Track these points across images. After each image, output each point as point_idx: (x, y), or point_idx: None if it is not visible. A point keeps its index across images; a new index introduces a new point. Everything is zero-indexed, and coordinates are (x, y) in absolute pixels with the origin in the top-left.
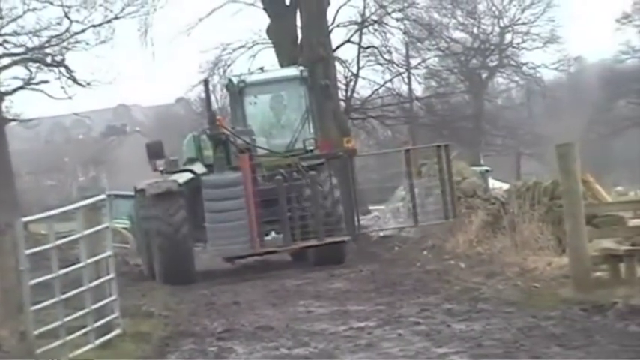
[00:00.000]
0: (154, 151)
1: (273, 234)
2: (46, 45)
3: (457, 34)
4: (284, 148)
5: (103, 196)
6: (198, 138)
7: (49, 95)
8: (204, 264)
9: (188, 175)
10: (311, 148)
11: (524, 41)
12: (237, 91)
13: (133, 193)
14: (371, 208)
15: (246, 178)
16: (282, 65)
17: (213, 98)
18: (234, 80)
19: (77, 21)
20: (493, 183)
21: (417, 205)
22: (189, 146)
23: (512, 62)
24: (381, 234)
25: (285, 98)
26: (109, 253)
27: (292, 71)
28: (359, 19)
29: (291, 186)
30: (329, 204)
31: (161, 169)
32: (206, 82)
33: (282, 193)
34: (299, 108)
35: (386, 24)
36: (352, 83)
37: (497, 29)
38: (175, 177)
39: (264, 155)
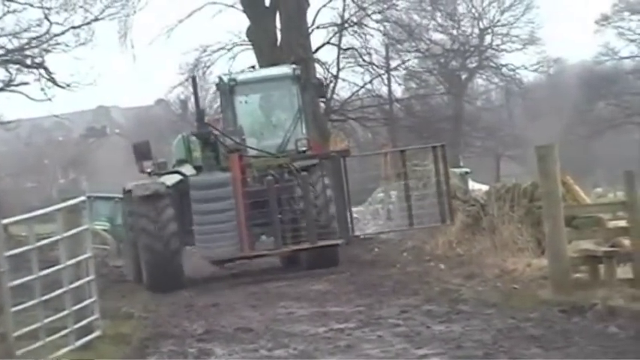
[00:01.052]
0: (142, 152)
1: (263, 237)
2: (26, 47)
3: (437, 36)
4: (275, 149)
5: (82, 198)
6: (187, 139)
7: (28, 97)
8: (188, 267)
9: (177, 177)
10: (303, 148)
11: (503, 43)
12: (228, 89)
13: (112, 195)
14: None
15: (235, 179)
16: (262, 67)
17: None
18: (225, 79)
19: (57, 23)
20: (473, 184)
21: (396, 210)
22: (178, 147)
23: (491, 64)
24: (362, 236)
25: (277, 97)
26: (88, 254)
27: (284, 70)
28: (338, 21)
29: (282, 187)
30: (321, 206)
31: (149, 170)
32: (194, 79)
33: (272, 195)
34: (291, 107)
35: (365, 25)
36: (332, 85)
37: (476, 31)
38: (164, 179)
39: (254, 156)
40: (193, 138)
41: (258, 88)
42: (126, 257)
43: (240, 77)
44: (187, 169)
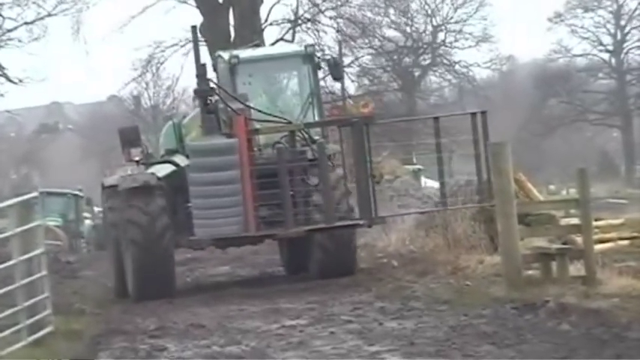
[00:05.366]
0: (129, 138)
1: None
2: None
3: (390, 33)
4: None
5: (35, 194)
6: (179, 125)
7: None
8: None
9: (169, 167)
10: (316, 137)
11: (456, 40)
12: (229, 69)
13: (65, 191)
14: None
15: (241, 144)
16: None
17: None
18: (225, 56)
19: (10, 18)
20: (426, 181)
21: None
22: (167, 136)
23: (444, 61)
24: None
25: (286, 79)
26: (41, 250)
27: (294, 48)
28: (292, 18)
29: (294, 158)
30: (336, 181)
31: (137, 158)
32: (194, 28)
33: (283, 167)
34: (302, 90)
35: (319, 22)
36: None
37: (429, 28)
38: (154, 169)
39: (262, 120)
40: (187, 121)
41: (265, 67)
42: (111, 268)
43: (244, 55)
44: (180, 160)
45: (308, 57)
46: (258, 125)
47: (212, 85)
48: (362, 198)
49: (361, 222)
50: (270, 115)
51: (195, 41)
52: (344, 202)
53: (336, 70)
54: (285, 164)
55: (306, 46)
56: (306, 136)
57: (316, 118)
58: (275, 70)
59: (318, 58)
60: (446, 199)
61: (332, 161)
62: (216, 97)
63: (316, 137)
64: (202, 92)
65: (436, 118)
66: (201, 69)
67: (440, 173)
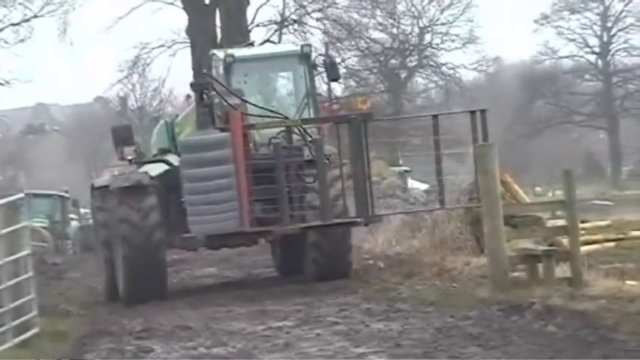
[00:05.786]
0: (122, 137)
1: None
2: None
3: (376, 34)
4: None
5: (21, 195)
6: (171, 124)
7: None
8: None
9: (162, 167)
10: (312, 138)
11: (443, 42)
12: (223, 68)
13: (51, 192)
14: None
15: (236, 140)
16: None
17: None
18: (220, 55)
19: None
20: (412, 183)
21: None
22: (160, 135)
23: (431, 62)
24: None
25: (282, 79)
26: (27, 251)
27: (291, 47)
28: (278, 19)
29: (290, 154)
30: (332, 180)
31: (130, 157)
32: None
33: (280, 162)
34: (297, 90)
35: (305, 24)
36: None
37: (416, 29)
38: (147, 168)
39: (258, 116)
40: (180, 120)
41: (260, 67)
42: (102, 270)
43: (239, 54)
44: (173, 159)
45: (304, 57)
46: (253, 121)
47: (209, 79)
48: (359, 196)
49: (358, 220)
50: (267, 109)
51: (193, 36)
52: (340, 200)
53: (333, 70)
54: (282, 160)
55: (302, 46)
56: (303, 132)
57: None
58: (271, 70)
59: (311, 59)
60: (444, 197)
61: (329, 160)
62: (212, 92)
63: (314, 137)
64: (199, 85)
65: (435, 116)
66: (198, 60)
67: (437, 171)
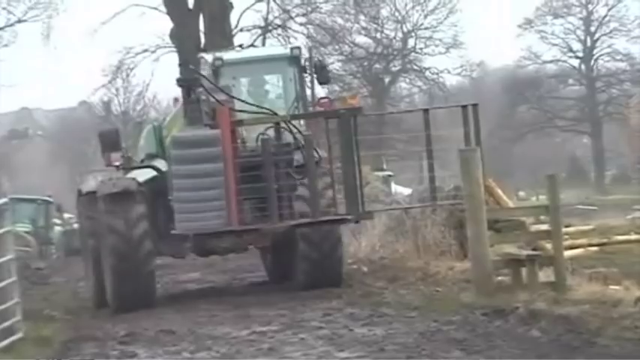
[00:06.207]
0: (109, 142)
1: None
2: None
3: (360, 39)
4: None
5: (4, 200)
6: (159, 129)
7: None
8: None
9: (150, 172)
10: (302, 143)
11: (427, 46)
12: (212, 71)
13: (35, 197)
14: None
15: (225, 137)
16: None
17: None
18: (209, 58)
19: None
20: (396, 187)
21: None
22: (148, 140)
23: (415, 67)
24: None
25: (271, 82)
26: (10, 256)
27: (280, 50)
28: (262, 24)
29: (279, 151)
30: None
31: (117, 163)
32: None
33: (268, 158)
34: (287, 93)
35: (289, 28)
36: None
37: (400, 34)
38: (134, 174)
39: (246, 112)
40: (165, 123)
41: (249, 70)
42: (87, 277)
43: (228, 57)
44: (161, 164)
45: (294, 59)
46: (242, 117)
47: (195, 74)
48: (349, 192)
49: (349, 217)
50: (254, 105)
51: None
52: (330, 199)
53: (323, 73)
54: (270, 156)
55: (292, 48)
56: (292, 127)
57: (301, 122)
58: (260, 73)
59: (301, 62)
60: (435, 194)
61: (318, 164)
62: (199, 89)
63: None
64: (185, 82)
65: (426, 110)
66: (184, 58)
67: (430, 167)
